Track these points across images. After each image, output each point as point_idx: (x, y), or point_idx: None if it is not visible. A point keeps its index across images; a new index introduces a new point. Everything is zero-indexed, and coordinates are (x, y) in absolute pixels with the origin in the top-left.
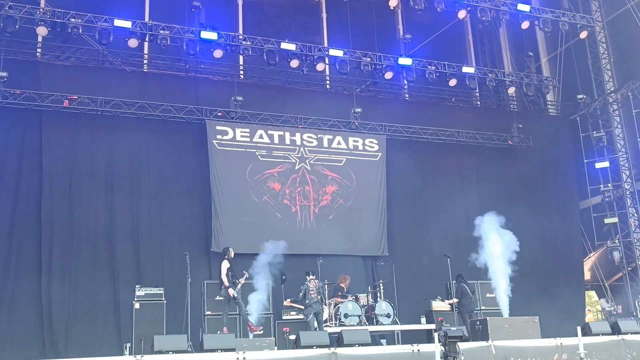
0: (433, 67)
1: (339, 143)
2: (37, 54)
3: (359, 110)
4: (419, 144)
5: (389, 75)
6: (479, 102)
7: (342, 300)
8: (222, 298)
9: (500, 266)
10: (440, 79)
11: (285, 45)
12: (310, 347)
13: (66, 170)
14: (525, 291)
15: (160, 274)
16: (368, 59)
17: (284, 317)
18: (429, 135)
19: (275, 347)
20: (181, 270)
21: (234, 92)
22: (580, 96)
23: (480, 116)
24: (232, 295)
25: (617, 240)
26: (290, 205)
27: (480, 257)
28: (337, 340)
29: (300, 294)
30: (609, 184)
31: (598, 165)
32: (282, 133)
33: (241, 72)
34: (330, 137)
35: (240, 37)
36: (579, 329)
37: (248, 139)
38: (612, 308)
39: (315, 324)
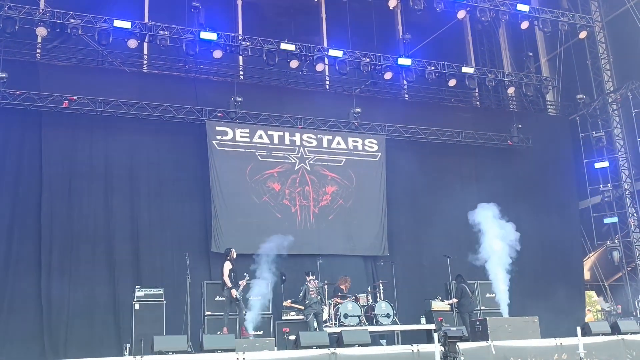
0: (432, 67)
1: (338, 143)
2: (37, 54)
3: (358, 110)
4: (419, 144)
5: (388, 75)
6: (478, 102)
7: (342, 300)
8: (224, 298)
9: (500, 256)
10: (440, 79)
11: (284, 46)
12: (310, 347)
13: (66, 170)
14: (525, 291)
15: (160, 275)
16: (367, 59)
17: (283, 318)
18: (429, 136)
19: (275, 348)
20: (181, 271)
21: (233, 92)
22: (579, 96)
23: (480, 116)
24: (234, 296)
25: (616, 240)
26: (290, 206)
27: (481, 248)
28: (336, 341)
29: (300, 295)
30: (609, 184)
31: (597, 165)
32: (281, 133)
33: (241, 73)
34: (330, 137)
35: (240, 37)
36: (578, 329)
37: (248, 140)
38: (612, 308)
39: (315, 324)
